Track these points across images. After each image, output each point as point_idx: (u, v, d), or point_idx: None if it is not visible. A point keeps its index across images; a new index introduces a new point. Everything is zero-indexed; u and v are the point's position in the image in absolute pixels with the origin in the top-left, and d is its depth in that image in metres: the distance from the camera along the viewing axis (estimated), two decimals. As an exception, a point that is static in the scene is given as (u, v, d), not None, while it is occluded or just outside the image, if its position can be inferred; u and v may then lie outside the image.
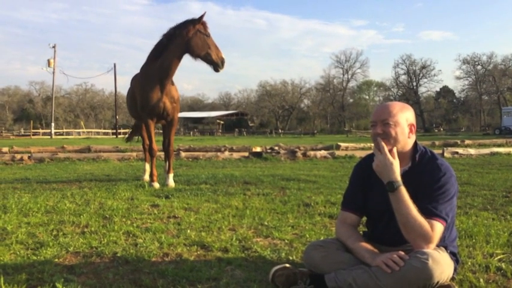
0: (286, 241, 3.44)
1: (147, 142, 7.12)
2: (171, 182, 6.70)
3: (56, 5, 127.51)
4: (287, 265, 2.45)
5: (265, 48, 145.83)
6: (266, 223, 4.07)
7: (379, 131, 2.35)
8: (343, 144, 16.79)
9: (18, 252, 3.14)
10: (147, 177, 7.29)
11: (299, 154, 12.49)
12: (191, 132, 62.68)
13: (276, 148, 13.94)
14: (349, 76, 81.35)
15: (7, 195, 5.73)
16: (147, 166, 7.42)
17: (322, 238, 3.41)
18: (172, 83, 6.68)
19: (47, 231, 3.78)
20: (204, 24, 6.27)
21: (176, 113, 6.90)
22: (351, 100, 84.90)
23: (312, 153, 12.87)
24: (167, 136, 6.97)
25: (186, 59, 6.52)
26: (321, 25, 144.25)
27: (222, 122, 75.84)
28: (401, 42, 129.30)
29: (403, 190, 2.23)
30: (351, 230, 2.50)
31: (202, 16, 6.27)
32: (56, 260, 2.96)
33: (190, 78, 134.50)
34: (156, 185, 6.52)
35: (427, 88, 78.63)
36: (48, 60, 53.18)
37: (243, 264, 2.86)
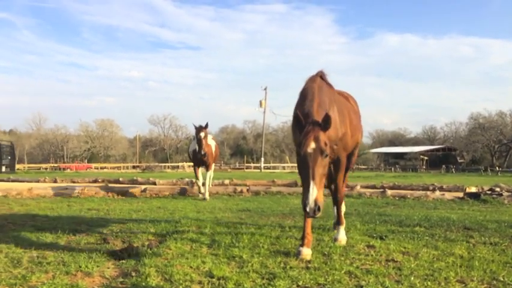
0: (532, 303, 3.00)
1: None
2: (342, 236, 5.30)
3: (263, 51, 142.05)
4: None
5: (473, 77, 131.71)
6: (501, 278, 3.64)
7: None
8: None
9: (255, 281, 3.52)
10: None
11: (528, 197, 10.78)
12: (392, 168, 60.60)
13: (498, 189, 12.34)
14: None
15: (236, 225, 6.51)
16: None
17: None
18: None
19: (275, 262, 4.15)
20: None
21: (341, 153, 5.23)
22: None
23: (545, 196, 10.95)
24: (334, 180, 5.53)
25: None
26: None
27: (426, 158, 71.14)
28: None
29: None
30: None
31: None
32: (290, 292, 3.22)
33: (389, 112, 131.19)
34: (306, 252, 4.50)
35: None
36: (260, 101, 59.21)
37: (483, 324, 2.61)
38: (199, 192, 11.84)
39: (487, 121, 72.29)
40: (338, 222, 5.47)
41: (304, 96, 4.78)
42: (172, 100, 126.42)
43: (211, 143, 12.10)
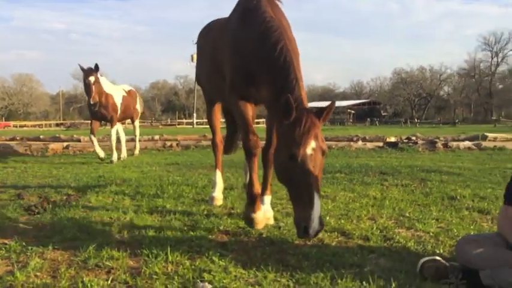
0: (431, 234, 3.30)
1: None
2: (270, 214, 3.73)
3: (197, 4, 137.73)
4: (437, 257, 2.36)
5: (399, 34, 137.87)
6: (407, 214, 3.95)
7: None
8: (490, 135, 15.20)
9: (178, 228, 3.53)
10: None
11: (439, 145, 11.68)
12: (321, 122, 62.63)
13: (413, 138, 13.22)
14: (499, 59, 72.86)
15: (163, 177, 6.44)
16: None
17: (472, 233, 3.19)
18: None
19: (199, 210, 4.18)
20: None
21: None
22: (501, 86, 76.01)
23: (454, 144, 11.93)
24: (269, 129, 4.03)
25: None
26: (462, 5, 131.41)
27: (353, 112, 74.23)
28: None
29: None
30: None
31: None
32: (210, 236, 3.28)
33: (320, 67, 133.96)
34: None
35: None
36: (192, 56, 57.56)
37: (386, 253, 2.83)
38: (97, 152, 9.23)
39: (408, 76, 76.27)
40: (264, 191, 3.79)
41: (271, 44, 3.22)
42: (99, 54, 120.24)
43: (116, 92, 9.63)
